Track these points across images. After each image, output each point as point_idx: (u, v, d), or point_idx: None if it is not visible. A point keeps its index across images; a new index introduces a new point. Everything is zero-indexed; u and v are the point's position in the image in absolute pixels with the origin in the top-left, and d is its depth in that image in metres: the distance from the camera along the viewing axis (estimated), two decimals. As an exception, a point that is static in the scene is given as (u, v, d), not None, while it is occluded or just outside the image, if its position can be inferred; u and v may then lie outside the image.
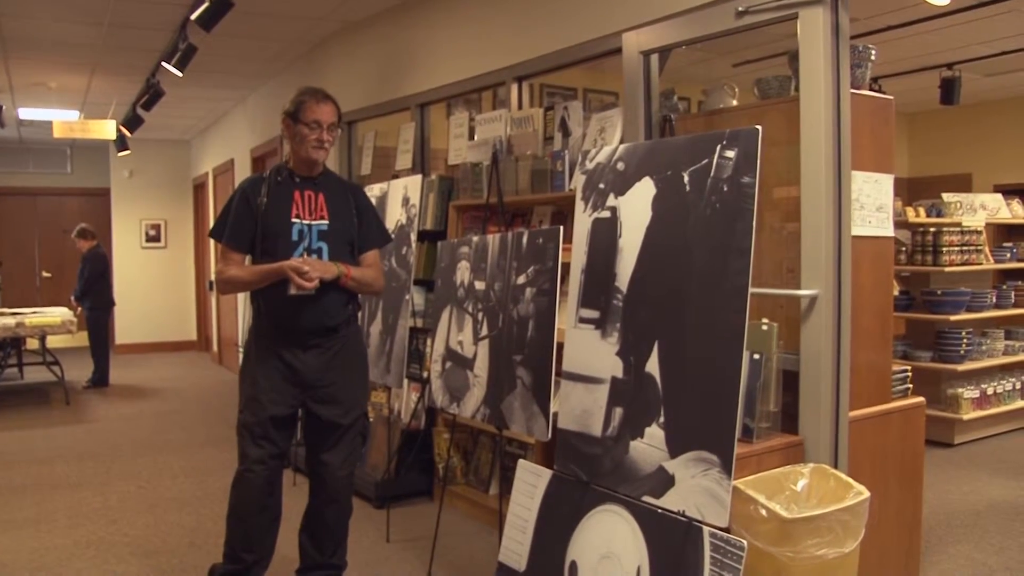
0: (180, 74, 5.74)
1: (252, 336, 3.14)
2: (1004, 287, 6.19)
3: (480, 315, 3.22)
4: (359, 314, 3.28)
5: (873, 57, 3.19)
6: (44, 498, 4.71)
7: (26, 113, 9.18)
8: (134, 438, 6.30)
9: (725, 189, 2.28)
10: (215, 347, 10.93)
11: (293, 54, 7.04)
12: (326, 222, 3.05)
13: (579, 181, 2.78)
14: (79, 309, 8.53)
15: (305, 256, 2.98)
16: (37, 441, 6.21)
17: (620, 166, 2.63)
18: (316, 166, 3.09)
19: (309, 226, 3.02)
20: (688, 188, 2.38)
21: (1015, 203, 6.81)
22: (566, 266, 2.78)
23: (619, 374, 2.50)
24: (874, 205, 3.14)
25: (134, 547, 3.90)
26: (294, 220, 3.01)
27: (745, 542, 2.10)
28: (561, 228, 2.89)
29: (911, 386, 3.40)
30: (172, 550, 3.85)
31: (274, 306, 3.01)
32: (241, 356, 3.19)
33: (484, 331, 3.18)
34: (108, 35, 6.22)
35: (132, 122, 8.09)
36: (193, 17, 4.73)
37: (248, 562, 3.05)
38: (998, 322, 6.21)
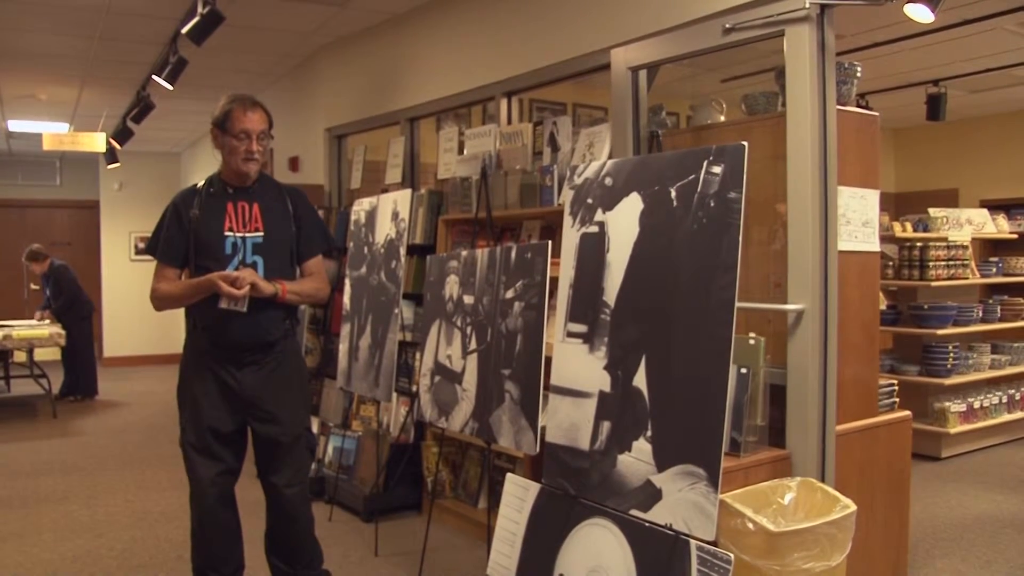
0: (171, 87, 5.74)
1: (187, 352, 3.04)
2: (990, 301, 6.23)
3: (469, 329, 3.22)
4: (296, 329, 3.17)
5: (859, 74, 3.22)
6: (30, 512, 4.68)
7: (15, 125, 9.16)
8: (121, 451, 6.27)
9: (712, 204, 2.30)
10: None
11: (283, 68, 7.06)
12: (261, 234, 2.95)
13: (567, 196, 2.79)
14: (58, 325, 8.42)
15: (240, 268, 2.87)
16: (23, 454, 6.17)
17: (608, 181, 2.64)
18: (248, 177, 3.00)
19: (243, 239, 2.93)
20: (675, 203, 2.40)
21: (1001, 218, 6.88)
22: (554, 280, 2.79)
23: (607, 388, 2.51)
24: (860, 220, 3.16)
25: (121, 561, 3.88)
26: (227, 233, 2.92)
27: (732, 556, 2.10)
28: (549, 243, 2.90)
29: (898, 400, 3.42)
30: (159, 564, 3.83)
31: (208, 321, 2.91)
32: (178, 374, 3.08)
33: (473, 345, 3.19)
34: (99, 48, 6.23)
35: (122, 135, 8.08)
36: (184, 31, 4.73)
37: None
38: (984, 336, 6.26)
